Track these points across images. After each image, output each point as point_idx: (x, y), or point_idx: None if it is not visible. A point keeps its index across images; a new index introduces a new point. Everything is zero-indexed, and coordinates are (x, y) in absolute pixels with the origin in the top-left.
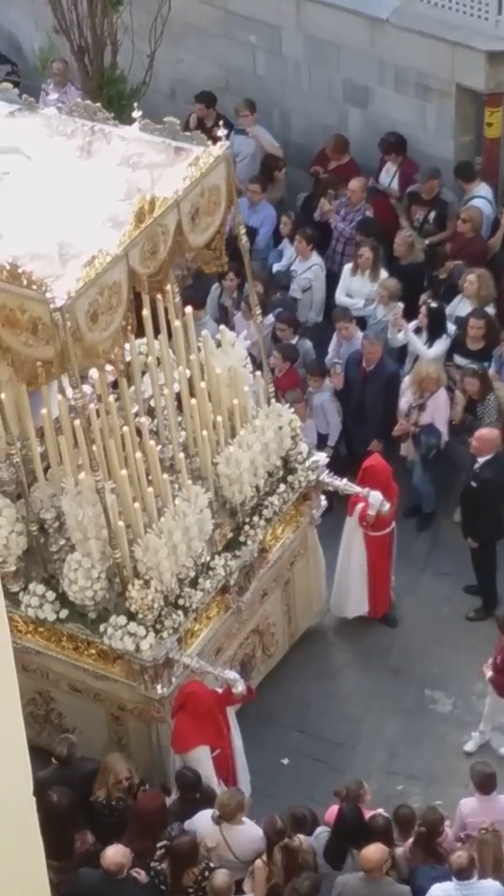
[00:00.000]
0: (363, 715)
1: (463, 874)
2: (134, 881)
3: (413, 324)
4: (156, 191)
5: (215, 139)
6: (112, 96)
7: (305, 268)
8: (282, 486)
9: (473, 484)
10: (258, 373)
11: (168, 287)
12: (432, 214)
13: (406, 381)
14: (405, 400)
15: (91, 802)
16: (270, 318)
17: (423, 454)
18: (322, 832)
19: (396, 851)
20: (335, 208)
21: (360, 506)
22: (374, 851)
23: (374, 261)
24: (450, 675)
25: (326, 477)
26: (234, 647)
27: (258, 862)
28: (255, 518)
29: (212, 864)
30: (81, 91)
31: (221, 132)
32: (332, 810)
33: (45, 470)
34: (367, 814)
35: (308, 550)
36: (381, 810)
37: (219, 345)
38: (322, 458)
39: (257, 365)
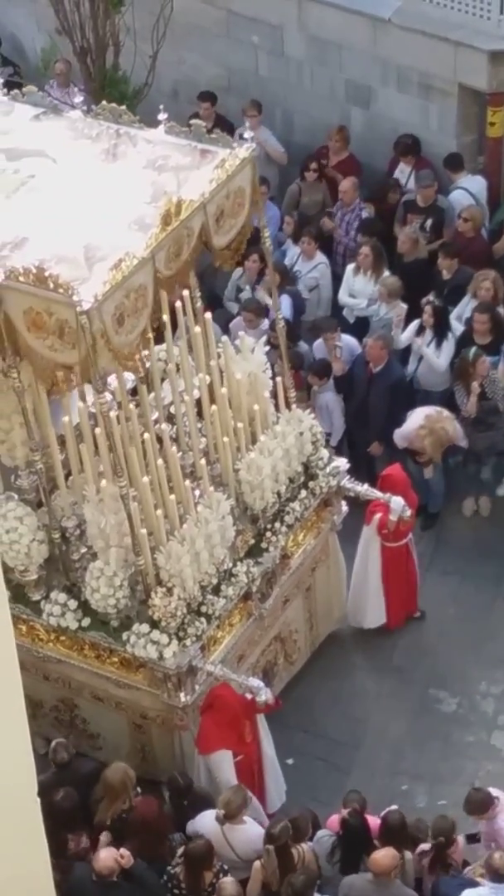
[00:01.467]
0: (367, 715)
1: (501, 876)
2: (124, 889)
3: (415, 322)
4: (182, 193)
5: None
6: (115, 97)
7: (311, 267)
8: (303, 492)
9: None
10: (278, 378)
11: (187, 293)
12: (429, 222)
13: (414, 431)
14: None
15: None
16: (266, 322)
17: (450, 468)
18: (323, 836)
19: (406, 855)
20: (334, 211)
21: (378, 516)
22: (384, 856)
23: (376, 260)
24: (454, 674)
25: (348, 482)
26: (256, 655)
27: (256, 864)
28: (277, 524)
29: (226, 867)
30: (84, 92)
31: (248, 133)
32: (333, 818)
33: (66, 477)
34: (371, 819)
35: (329, 556)
36: (395, 807)
37: (238, 350)
38: (343, 463)
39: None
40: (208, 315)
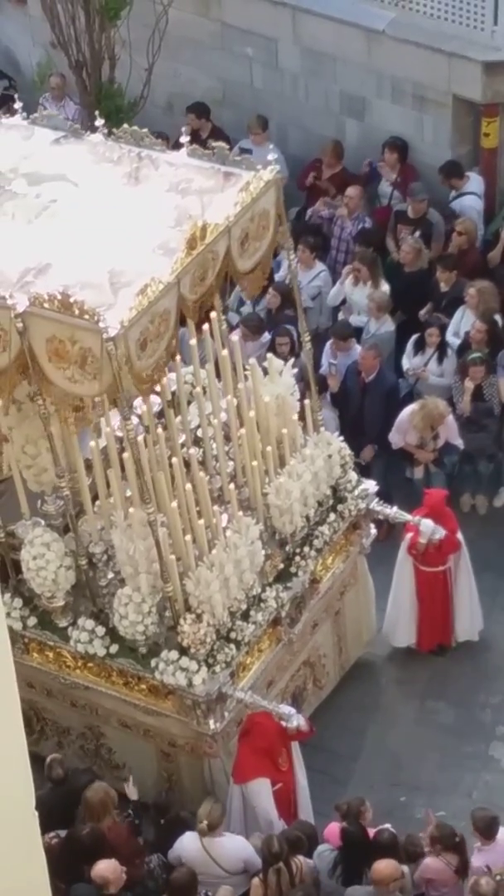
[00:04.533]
0: (365, 726)
1: None
2: None
3: (414, 338)
4: (206, 217)
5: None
6: (110, 110)
7: (312, 276)
8: (332, 516)
9: None
10: (307, 401)
11: (214, 315)
12: (417, 234)
13: (407, 416)
14: (413, 437)
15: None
16: (267, 336)
17: (448, 473)
18: (324, 850)
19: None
20: (334, 214)
21: (409, 536)
22: (385, 865)
23: (371, 271)
24: (451, 685)
25: (376, 505)
26: (285, 680)
27: (255, 880)
28: (306, 548)
29: (209, 893)
30: (79, 106)
31: (271, 156)
32: (332, 828)
33: (93, 501)
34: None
35: (358, 580)
36: (388, 826)
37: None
38: (371, 486)
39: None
40: (235, 337)
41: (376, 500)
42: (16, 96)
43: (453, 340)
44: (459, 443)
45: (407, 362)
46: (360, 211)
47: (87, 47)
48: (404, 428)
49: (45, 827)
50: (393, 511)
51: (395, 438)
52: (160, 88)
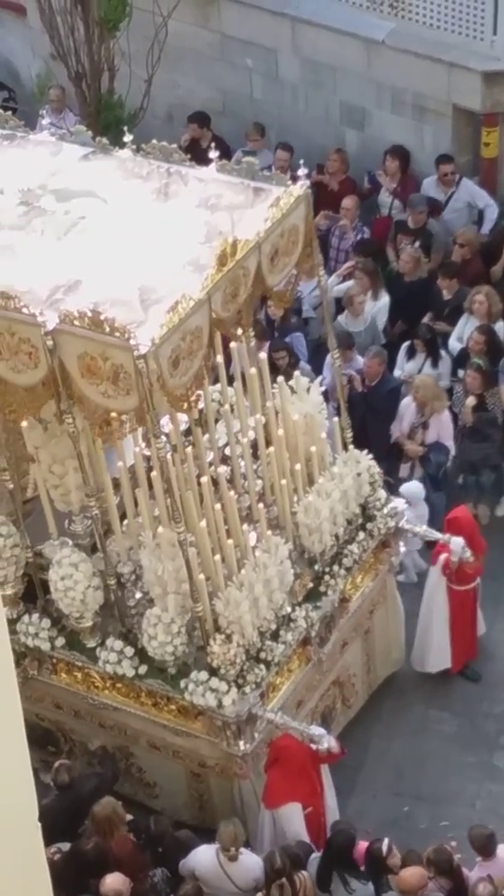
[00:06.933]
0: (368, 736)
1: None
2: None
3: (406, 344)
4: (236, 233)
5: (208, 160)
6: (109, 122)
7: (313, 286)
8: (361, 534)
9: None
10: (335, 418)
11: (240, 332)
12: (417, 244)
13: (404, 403)
14: (407, 422)
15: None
16: (267, 345)
17: (431, 473)
18: (315, 858)
19: None
20: (333, 226)
21: (444, 556)
22: (411, 874)
23: (371, 281)
24: (454, 694)
25: (406, 523)
26: (315, 700)
27: None
28: (335, 567)
29: None
30: (79, 117)
31: (302, 171)
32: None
33: (121, 520)
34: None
35: (387, 598)
36: (384, 839)
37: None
38: (401, 503)
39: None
40: (263, 355)
41: (406, 518)
42: (44, 112)
43: (456, 346)
44: (451, 445)
45: (400, 371)
46: (358, 222)
47: (87, 59)
48: (401, 414)
49: (50, 837)
50: (423, 529)
51: (394, 427)
52: (160, 99)
